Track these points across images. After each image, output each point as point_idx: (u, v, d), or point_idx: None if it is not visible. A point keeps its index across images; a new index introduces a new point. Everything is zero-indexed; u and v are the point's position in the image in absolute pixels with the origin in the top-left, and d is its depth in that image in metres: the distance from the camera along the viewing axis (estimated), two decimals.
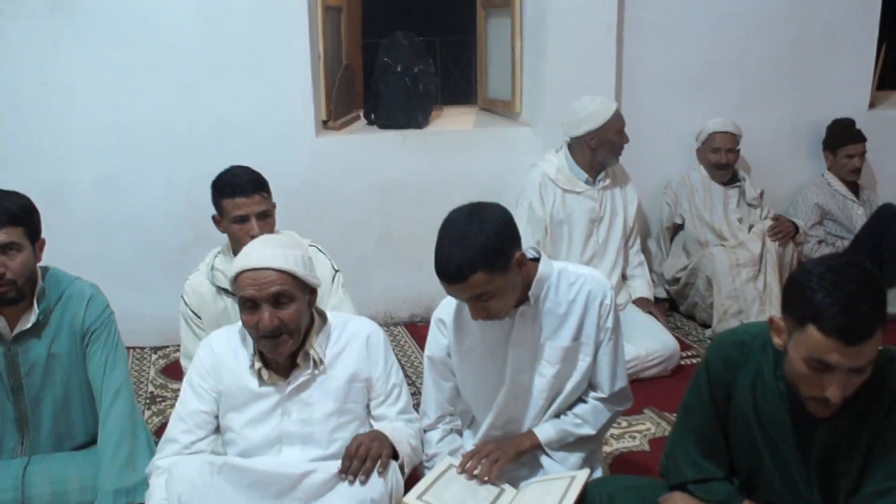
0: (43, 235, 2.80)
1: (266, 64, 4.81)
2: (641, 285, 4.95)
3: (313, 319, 2.67)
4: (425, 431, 2.91)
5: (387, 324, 5.24)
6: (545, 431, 2.80)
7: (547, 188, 4.69)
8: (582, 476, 2.59)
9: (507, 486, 2.68)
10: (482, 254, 2.40)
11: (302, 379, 2.63)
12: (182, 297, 3.41)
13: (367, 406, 2.78)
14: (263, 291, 2.46)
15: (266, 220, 3.29)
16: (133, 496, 2.66)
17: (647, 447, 3.79)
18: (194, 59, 4.73)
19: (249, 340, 2.64)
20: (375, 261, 5.25)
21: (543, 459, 2.84)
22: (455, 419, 2.98)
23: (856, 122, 5.60)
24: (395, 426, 2.69)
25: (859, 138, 5.56)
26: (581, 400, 2.86)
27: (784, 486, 2.29)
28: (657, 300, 5.23)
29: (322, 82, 5.08)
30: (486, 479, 2.65)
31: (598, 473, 2.91)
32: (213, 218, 3.37)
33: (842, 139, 5.58)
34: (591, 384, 2.85)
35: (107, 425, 2.77)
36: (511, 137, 5.41)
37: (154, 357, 4.87)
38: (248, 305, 2.50)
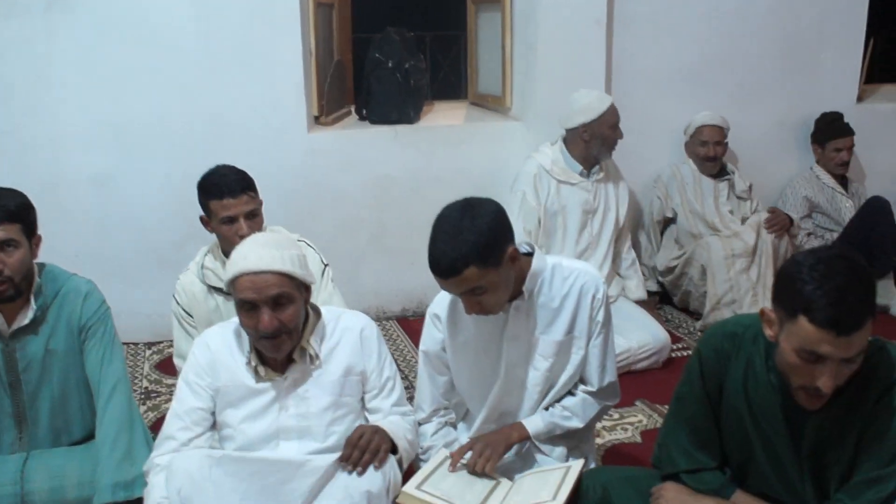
0: (39, 232, 2.81)
1: (259, 60, 4.82)
2: (637, 287, 5.01)
3: (308, 315, 2.69)
4: (420, 425, 2.92)
5: (379, 318, 5.26)
6: (534, 423, 2.82)
7: (542, 179, 4.71)
8: (577, 467, 2.61)
9: (502, 478, 2.70)
10: (475, 249, 2.42)
11: (298, 374, 2.65)
12: (173, 296, 3.42)
13: (362, 399, 2.79)
14: (263, 294, 2.46)
15: (254, 220, 3.28)
16: (131, 490, 2.67)
17: (638, 439, 3.82)
18: (188, 56, 4.74)
19: (245, 337, 2.65)
20: (367, 255, 5.27)
21: (537, 453, 2.87)
22: (449, 412, 3.01)
23: (844, 116, 5.64)
24: (392, 420, 2.70)
25: (847, 132, 5.60)
26: (570, 393, 2.88)
27: (775, 475, 2.31)
28: (648, 293, 5.27)
29: (314, 78, 5.09)
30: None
31: (591, 466, 2.93)
32: (201, 219, 3.37)
33: (830, 132, 5.62)
34: (580, 378, 2.87)
35: (104, 420, 2.78)
36: (501, 132, 5.44)
37: (148, 353, 4.89)
38: (247, 308, 2.50)
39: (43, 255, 2.88)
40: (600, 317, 2.79)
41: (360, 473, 2.49)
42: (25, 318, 2.75)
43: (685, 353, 4.71)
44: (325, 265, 3.52)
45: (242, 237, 3.01)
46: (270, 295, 2.47)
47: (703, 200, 5.35)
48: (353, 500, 2.46)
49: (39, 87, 4.64)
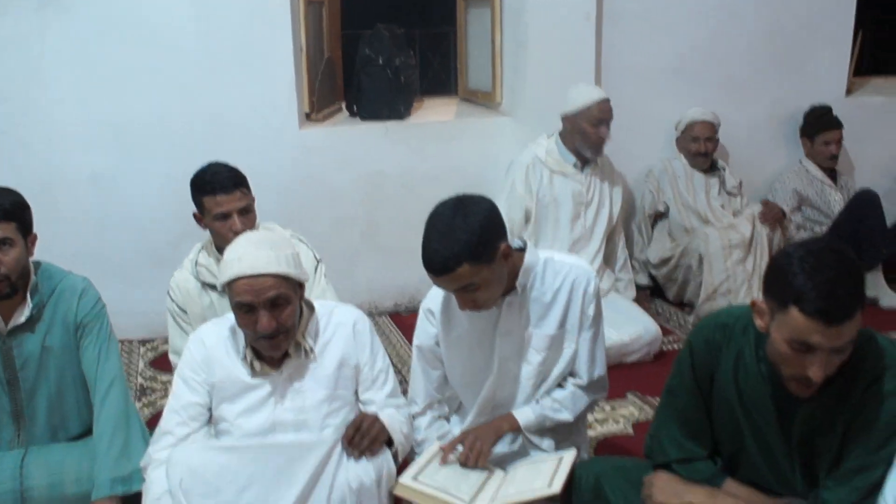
0: (34, 231, 2.82)
1: (251, 58, 4.84)
2: (627, 287, 5.07)
3: (302, 310, 2.70)
4: (414, 418, 2.94)
5: (371, 314, 5.27)
6: (525, 415, 2.83)
7: (535, 168, 4.76)
8: (569, 457, 2.64)
9: (496, 469, 2.72)
10: (468, 247, 2.44)
11: (293, 368, 2.66)
12: (168, 293, 3.43)
13: (356, 392, 2.81)
14: (261, 297, 2.47)
15: (247, 216, 3.30)
16: (129, 484, 2.69)
17: (630, 431, 3.85)
18: (180, 55, 4.75)
19: (240, 333, 2.65)
20: (360, 251, 5.29)
21: (530, 447, 2.89)
22: (443, 406, 3.03)
23: (832, 109, 5.67)
24: (389, 414, 2.71)
25: (836, 125, 5.63)
26: (560, 386, 2.90)
27: (766, 464, 2.34)
28: (639, 287, 5.31)
29: (304, 75, 5.10)
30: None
31: (584, 457, 2.95)
32: (195, 215, 3.38)
33: (819, 126, 5.65)
34: (570, 371, 2.89)
35: (101, 416, 2.80)
36: (492, 127, 5.46)
37: (143, 350, 4.90)
38: (245, 310, 2.51)
39: (39, 255, 2.89)
40: (591, 310, 2.81)
41: (358, 458, 2.51)
42: (22, 315, 2.76)
43: (676, 346, 4.73)
44: (318, 261, 3.54)
45: (236, 233, 3.06)
46: (268, 297, 2.48)
47: (696, 194, 5.38)
48: (347, 489, 2.48)
49: (35, 86, 4.65)
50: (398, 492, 2.54)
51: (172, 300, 3.40)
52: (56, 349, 2.83)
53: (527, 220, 4.81)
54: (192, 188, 3.32)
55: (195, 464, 2.47)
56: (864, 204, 5.33)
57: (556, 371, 2.85)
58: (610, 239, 4.97)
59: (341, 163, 5.17)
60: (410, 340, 3.03)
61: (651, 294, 5.58)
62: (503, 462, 2.79)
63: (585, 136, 4.67)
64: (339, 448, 2.53)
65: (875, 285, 5.31)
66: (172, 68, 4.76)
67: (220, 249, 3.24)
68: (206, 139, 4.75)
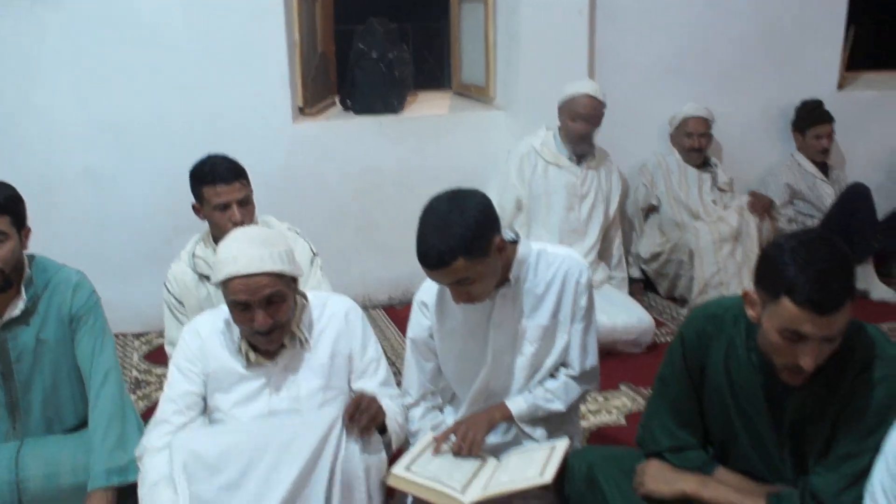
0: (28, 224, 2.82)
1: (245, 53, 4.83)
2: (620, 284, 5.09)
3: (296, 301, 2.72)
4: (407, 409, 2.95)
5: (365, 307, 5.25)
6: (517, 404, 2.86)
7: (529, 158, 4.82)
8: (562, 446, 2.66)
9: (489, 458, 2.74)
10: (463, 241, 2.45)
11: (288, 359, 2.67)
12: (165, 285, 3.44)
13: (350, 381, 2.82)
14: (256, 296, 2.48)
15: (246, 207, 3.32)
16: (125, 475, 2.69)
17: (623, 422, 3.87)
18: (175, 52, 4.74)
19: (235, 324, 2.67)
20: (354, 244, 5.29)
21: (523, 438, 2.91)
22: (436, 397, 3.04)
23: (824, 103, 5.69)
24: (384, 404, 2.72)
25: (827, 119, 5.65)
26: (552, 376, 2.92)
27: (756, 452, 2.36)
28: (632, 280, 5.33)
29: (298, 70, 5.11)
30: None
31: (577, 447, 2.97)
32: (193, 206, 3.39)
33: (810, 120, 5.67)
34: (562, 362, 2.91)
35: (97, 408, 2.81)
36: (485, 121, 5.47)
37: (137, 343, 4.91)
38: (241, 308, 2.52)
39: (36, 252, 2.90)
40: (584, 301, 2.83)
41: (359, 435, 2.51)
42: (16, 308, 2.77)
43: (669, 339, 4.75)
44: (315, 254, 3.55)
45: (235, 224, 3.12)
46: (263, 296, 2.49)
47: (688, 190, 5.39)
48: (343, 474, 2.49)
49: (28, 82, 4.64)
50: (391, 482, 2.55)
51: (169, 292, 3.41)
52: (51, 342, 2.84)
53: (519, 208, 4.85)
54: (192, 179, 3.33)
55: (197, 446, 2.48)
56: (856, 197, 5.35)
57: (549, 362, 2.87)
58: (606, 235, 4.99)
59: (335, 157, 5.18)
60: (404, 333, 3.04)
61: (644, 287, 5.59)
62: (496, 452, 2.81)
63: (566, 129, 4.73)
64: (339, 426, 2.52)
65: (866, 278, 5.33)
66: (167, 65, 4.75)
67: (218, 241, 3.25)
68: (201, 135, 4.75)
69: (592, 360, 2.91)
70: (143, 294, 4.75)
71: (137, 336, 4.98)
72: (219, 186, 3.25)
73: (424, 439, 2.78)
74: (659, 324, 4.95)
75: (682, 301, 5.32)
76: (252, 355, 2.65)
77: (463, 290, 2.58)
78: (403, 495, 2.71)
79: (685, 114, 5.41)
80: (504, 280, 2.73)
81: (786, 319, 2.03)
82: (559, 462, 2.56)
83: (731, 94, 5.72)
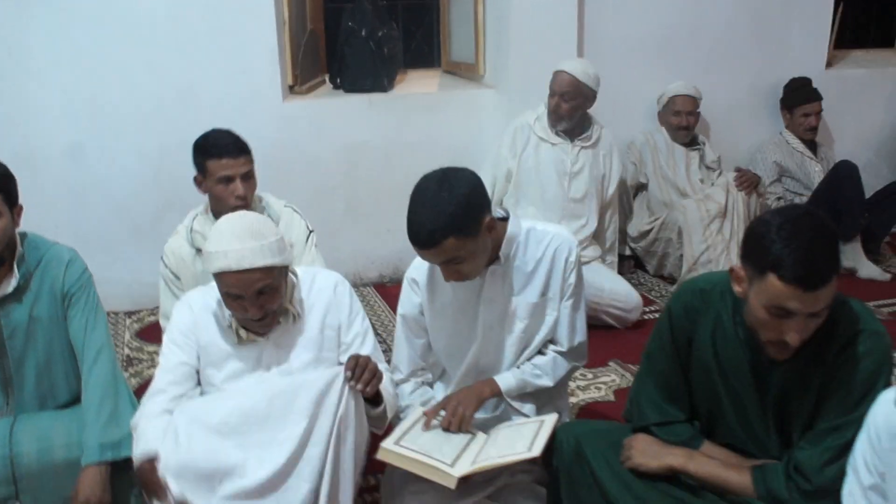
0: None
1: (233, 30, 4.83)
2: (613, 268, 5.08)
3: (287, 280, 2.73)
4: (397, 385, 2.97)
5: (355, 284, 5.30)
6: (506, 380, 2.88)
7: (522, 132, 4.84)
8: (550, 420, 2.69)
9: (478, 433, 2.76)
10: (453, 220, 2.47)
11: (279, 333, 2.69)
12: (161, 258, 3.44)
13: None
14: (248, 290, 2.49)
15: (249, 182, 3.35)
16: (118, 450, 2.70)
17: (612, 397, 3.91)
18: (161, 27, 4.74)
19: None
20: (343, 223, 5.31)
21: (513, 413, 2.94)
22: (426, 373, 3.06)
23: (812, 81, 5.71)
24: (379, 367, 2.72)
25: (815, 97, 5.68)
26: (541, 353, 2.94)
27: (742, 426, 2.39)
28: (622, 257, 5.36)
29: (287, 47, 5.11)
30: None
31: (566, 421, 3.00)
32: (195, 179, 3.40)
33: (798, 98, 5.70)
34: (551, 338, 2.94)
35: (90, 384, 2.81)
36: (475, 99, 5.49)
37: (128, 321, 4.92)
38: (232, 297, 2.53)
39: (22, 228, 2.90)
40: (572, 278, 2.85)
41: (361, 391, 2.49)
42: (9, 286, 2.76)
43: (657, 316, 4.77)
44: (311, 231, 3.57)
45: (238, 197, 3.20)
46: (256, 289, 2.50)
47: (676, 168, 5.42)
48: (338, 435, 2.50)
49: (10, 60, 4.63)
50: (381, 456, 2.57)
51: (166, 265, 3.42)
52: (44, 319, 2.84)
53: (508, 180, 4.89)
54: (196, 151, 3.35)
55: (198, 413, 2.51)
56: (843, 175, 5.37)
57: (538, 338, 2.89)
58: (602, 216, 4.98)
59: (325, 135, 5.19)
60: (395, 311, 3.06)
61: (635, 265, 5.63)
62: (485, 427, 2.83)
63: (548, 105, 4.75)
64: (339, 383, 2.50)
65: (853, 256, 5.36)
66: (155, 43, 4.75)
67: (218, 215, 3.27)
68: (190, 113, 4.76)
69: (581, 336, 2.93)
70: (132, 271, 4.76)
71: (129, 314, 4.99)
72: (225, 159, 3.28)
73: (414, 414, 2.80)
74: (648, 301, 4.98)
75: (670, 279, 5.35)
76: (243, 333, 2.66)
77: (453, 268, 2.60)
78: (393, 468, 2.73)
79: (672, 92, 5.42)
80: (494, 258, 2.74)
81: (772, 295, 2.06)
82: (547, 436, 2.58)
83: (720, 72, 5.74)
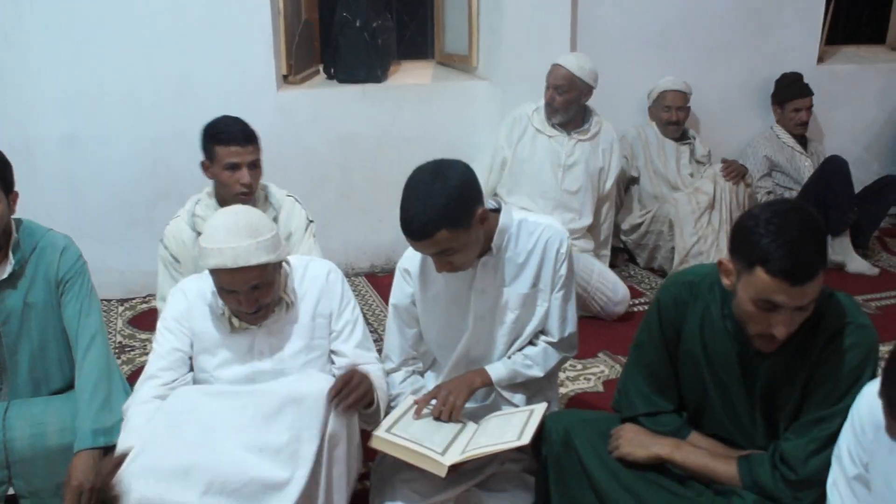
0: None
1: (228, 20, 4.83)
2: (605, 262, 5.09)
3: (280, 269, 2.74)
4: (388, 374, 2.99)
5: (348, 274, 5.29)
6: (497, 370, 2.90)
7: (520, 122, 4.87)
8: (540, 410, 2.71)
9: (468, 422, 2.79)
10: (445, 212, 2.49)
11: (271, 320, 2.70)
12: (161, 241, 3.45)
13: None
14: (243, 287, 2.51)
15: (255, 170, 3.37)
16: (111, 436, 2.71)
17: (601, 388, 3.94)
18: (157, 18, 4.74)
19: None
20: (336, 213, 5.31)
21: (503, 403, 2.96)
22: (417, 362, 3.08)
23: (803, 77, 5.74)
24: (369, 369, 2.72)
25: (806, 92, 5.70)
26: (531, 343, 2.97)
27: (729, 418, 2.42)
28: (615, 250, 5.38)
29: (282, 37, 5.11)
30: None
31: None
32: (202, 164, 3.41)
33: (789, 93, 5.72)
34: (542, 329, 2.96)
35: (83, 370, 2.82)
36: (468, 91, 5.50)
37: (121, 309, 4.93)
38: (226, 291, 2.55)
39: (17, 215, 2.91)
40: (563, 270, 2.87)
41: (343, 410, 2.51)
42: (4, 272, 2.77)
43: (646, 308, 4.80)
44: (310, 221, 3.59)
45: (243, 185, 3.24)
46: (250, 285, 2.52)
47: (666, 162, 5.44)
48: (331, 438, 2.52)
49: (6, 48, 4.62)
50: (373, 444, 2.60)
51: (166, 247, 3.43)
52: (38, 305, 2.85)
53: (503, 168, 4.92)
54: (205, 136, 3.37)
55: (197, 400, 2.53)
56: (833, 170, 5.40)
57: (529, 329, 2.91)
58: (598, 210, 4.99)
59: (319, 125, 5.20)
60: (387, 301, 3.07)
61: (628, 259, 5.65)
62: (476, 416, 2.86)
63: (545, 96, 4.77)
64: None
65: (842, 250, 5.40)
66: (149, 32, 4.74)
67: (222, 200, 3.30)
68: (185, 103, 4.76)
69: (571, 327, 2.96)
70: (126, 261, 4.77)
71: (122, 301, 5.00)
72: (233, 147, 3.30)
73: (405, 403, 2.83)
74: (638, 293, 5.01)
75: (661, 272, 5.38)
76: (236, 321, 2.68)
77: (445, 259, 2.62)
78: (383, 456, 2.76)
79: (663, 87, 5.45)
80: (486, 249, 2.76)
81: (759, 289, 2.08)
82: (537, 425, 2.60)
83: (712, 66, 5.76)
